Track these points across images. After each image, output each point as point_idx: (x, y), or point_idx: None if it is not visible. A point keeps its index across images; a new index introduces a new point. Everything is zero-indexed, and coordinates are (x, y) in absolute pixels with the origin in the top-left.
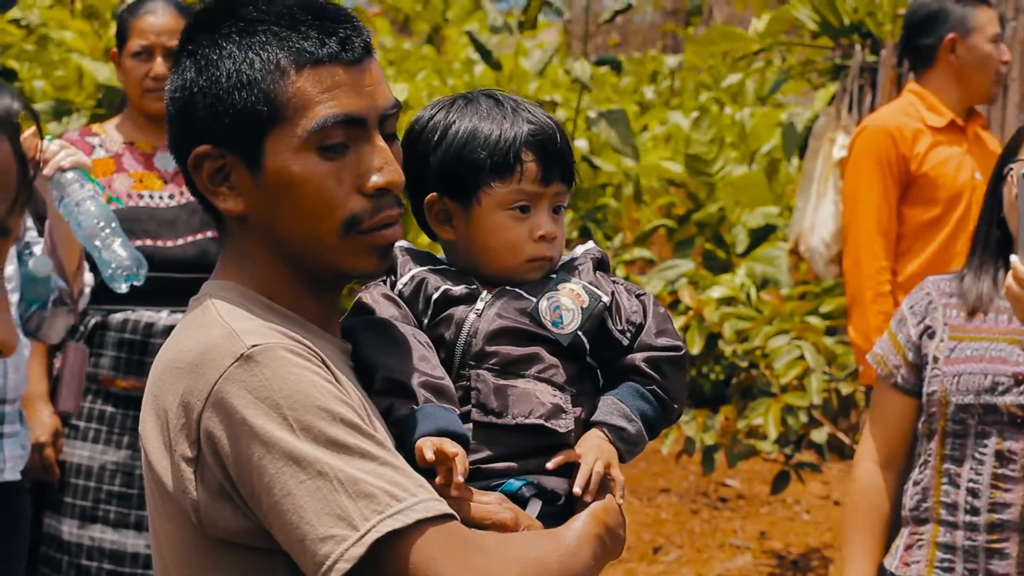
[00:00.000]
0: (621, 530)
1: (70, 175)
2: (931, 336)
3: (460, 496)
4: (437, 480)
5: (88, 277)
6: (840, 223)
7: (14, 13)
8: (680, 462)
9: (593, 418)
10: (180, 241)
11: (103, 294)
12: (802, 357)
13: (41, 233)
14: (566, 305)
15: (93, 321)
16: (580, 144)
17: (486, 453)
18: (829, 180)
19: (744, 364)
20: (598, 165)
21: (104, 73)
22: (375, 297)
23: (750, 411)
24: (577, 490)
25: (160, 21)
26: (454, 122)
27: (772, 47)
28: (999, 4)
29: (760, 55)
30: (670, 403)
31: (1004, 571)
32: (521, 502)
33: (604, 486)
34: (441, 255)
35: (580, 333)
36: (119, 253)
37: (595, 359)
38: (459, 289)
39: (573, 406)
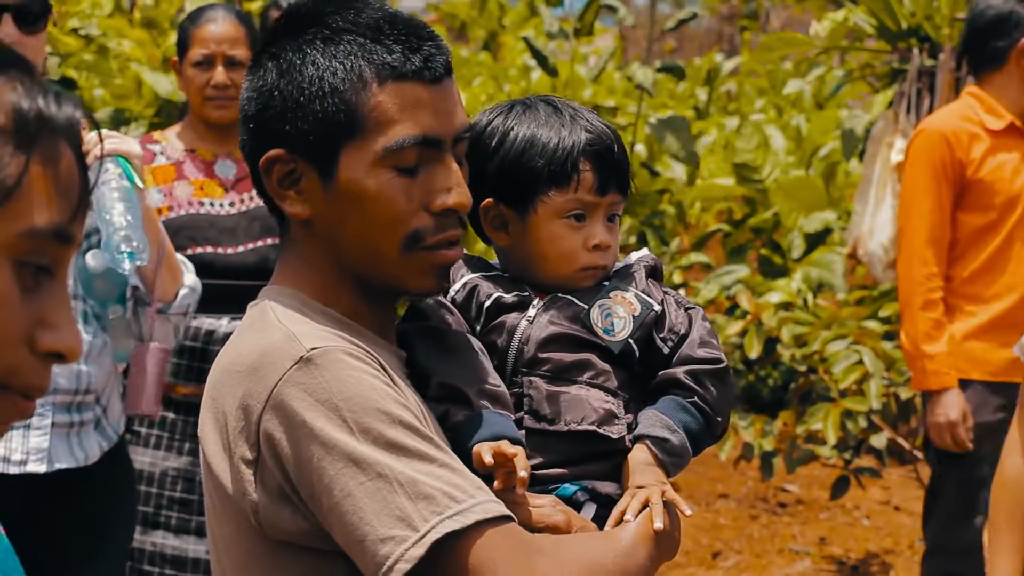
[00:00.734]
0: (675, 531)
1: (108, 163)
2: None
3: (516, 499)
4: (496, 484)
5: (189, 278)
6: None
7: (73, 23)
8: (739, 467)
9: (635, 432)
10: (241, 248)
11: None
12: (861, 362)
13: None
14: (618, 313)
15: None
16: (638, 149)
17: (539, 459)
18: (887, 184)
19: (803, 369)
20: (657, 171)
21: (162, 83)
22: (428, 303)
23: (809, 416)
24: (629, 518)
25: (220, 30)
26: (512, 128)
27: (831, 51)
28: None
29: (819, 59)
30: (713, 416)
31: None
32: (575, 506)
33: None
34: (494, 260)
35: (631, 341)
36: (117, 221)
37: (641, 367)
38: (511, 296)
39: (625, 412)
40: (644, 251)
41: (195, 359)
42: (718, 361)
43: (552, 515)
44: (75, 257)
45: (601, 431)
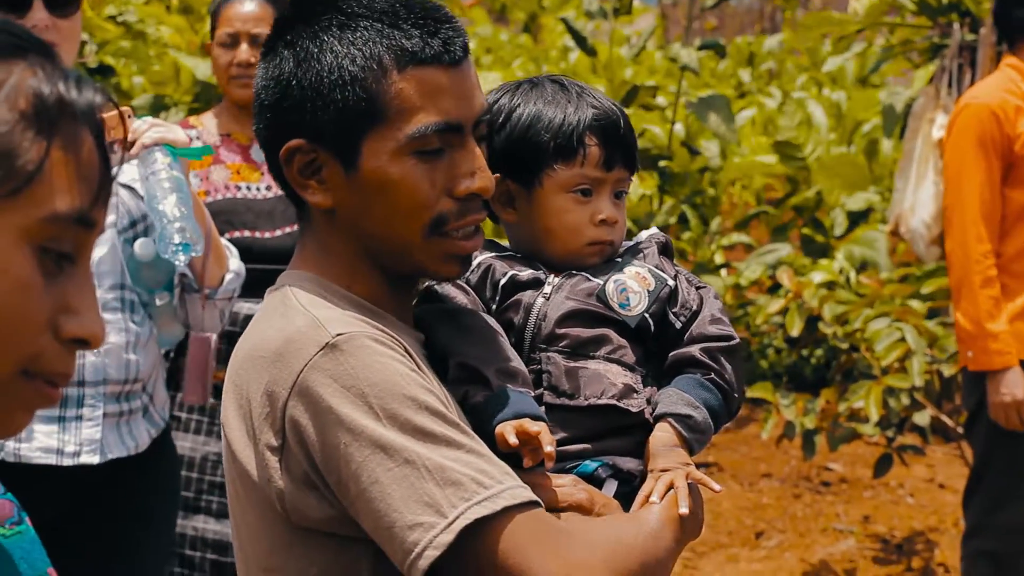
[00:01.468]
0: (699, 511)
1: (156, 152)
2: None
3: (538, 480)
4: (524, 462)
5: (234, 263)
6: (940, 204)
7: (111, 10)
8: (781, 446)
9: (656, 411)
10: (278, 232)
11: None
12: (903, 339)
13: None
14: (632, 288)
15: None
16: (677, 129)
17: (560, 435)
18: (929, 160)
19: (844, 347)
20: (697, 150)
21: (201, 68)
22: (443, 285)
23: (851, 394)
24: (655, 499)
25: (245, 9)
26: (518, 105)
27: (871, 27)
28: None
29: (860, 36)
30: (730, 392)
31: None
32: (597, 482)
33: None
34: (505, 242)
35: (647, 315)
36: (171, 213)
37: (655, 343)
38: (526, 274)
39: (644, 387)
40: (654, 229)
41: (234, 343)
42: (731, 338)
43: (575, 494)
44: (124, 246)
45: (621, 405)
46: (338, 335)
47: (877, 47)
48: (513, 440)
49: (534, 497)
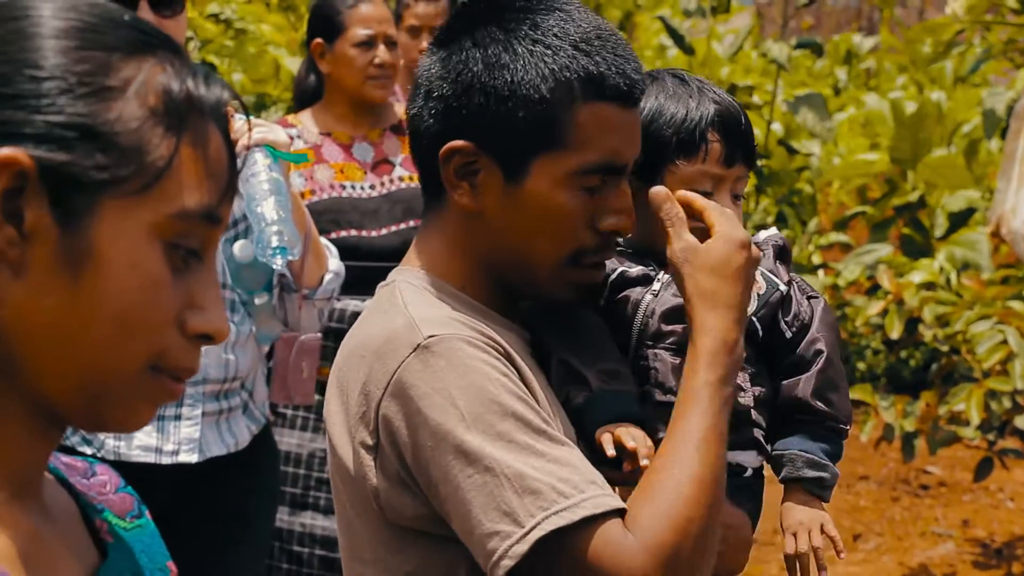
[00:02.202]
0: (741, 554)
1: (257, 153)
2: None
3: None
4: (624, 466)
5: (333, 263)
6: None
7: (212, 8)
8: (879, 449)
9: (785, 476)
10: (384, 231)
11: None
12: (1005, 341)
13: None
14: None
15: None
16: (774, 128)
17: (666, 433)
18: None
19: (945, 349)
20: (795, 149)
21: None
22: None
23: (951, 397)
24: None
25: (379, 11)
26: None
27: (972, 26)
28: None
29: (961, 35)
30: (846, 429)
31: None
32: None
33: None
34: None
35: (755, 319)
36: (269, 216)
37: (763, 346)
38: (636, 270)
39: (752, 385)
40: (773, 230)
41: (340, 341)
42: (829, 359)
43: None
44: (223, 247)
45: None
46: (430, 337)
47: (977, 47)
48: (610, 452)
49: (620, 505)
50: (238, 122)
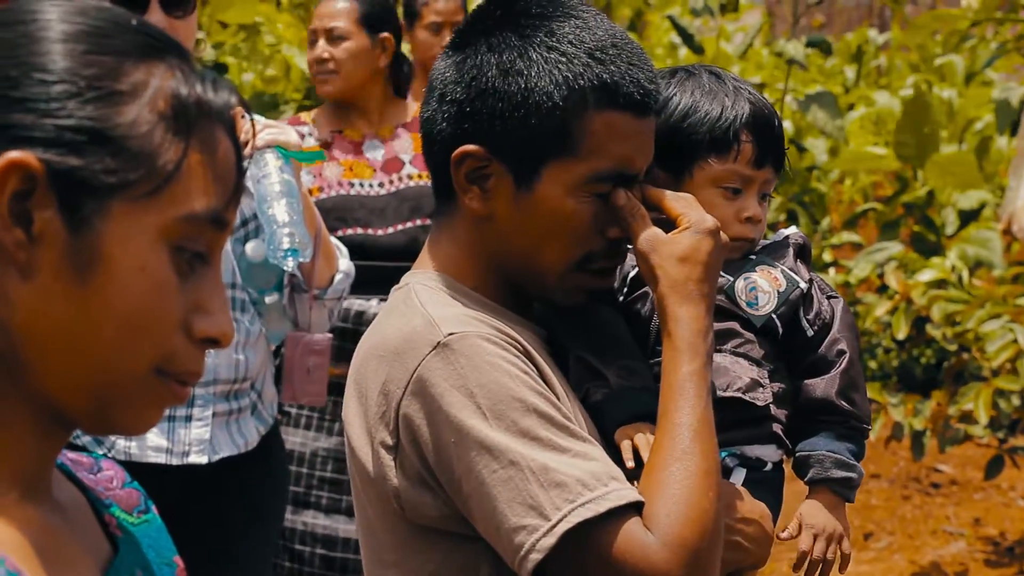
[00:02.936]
0: (763, 548)
1: (268, 155)
2: None
3: None
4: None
5: (343, 263)
6: None
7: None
8: (890, 447)
9: (813, 476)
10: (391, 229)
11: None
12: (1015, 340)
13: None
14: (762, 287)
15: None
16: (785, 126)
17: None
18: None
19: (953, 348)
20: (806, 147)
21: None
22: None
23: (961, 396)
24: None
25: (322, 7)
26: (675, 94)
27: (984, 22)
28: None
29: (972, 31)
30: (868, 428)
31: None
32: (725, 471)
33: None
34: None
35: (774, 316)
36: (281, 218)
37: (783, 344)
38: None
39: (771, 382)
40: (793, 228)
41: (346, 340)
42: (851, 360)
43: None
44: (235, 246)
45: (746, 398)
46: (450, 335)
47: (988, 43)
48: (630, 464)
49: (641, 499)
50: (247, 123)
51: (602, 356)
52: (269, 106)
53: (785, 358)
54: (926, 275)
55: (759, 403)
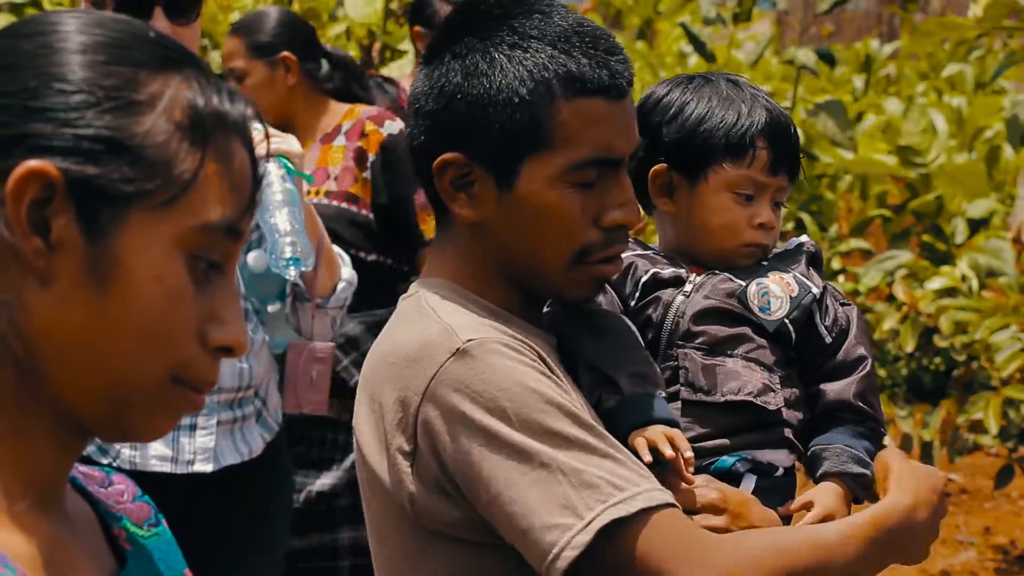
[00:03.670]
0: (917, 536)
1: (270, 164)
2: None
3: (673, 484)
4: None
5: (346, 272)
6: None
7: (235, 17)
8: None
9: (826, 469)
10: None
11: None
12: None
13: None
14: (775, 292)
15: None
16: None
17: (697, 431)
18: None
19: (962, 357)
20: (815, 155)
21: None
22: None
23: (970, 405)
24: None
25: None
26: (691, 100)
27: (993, 32)
28: None
29: (980, 41)
30: (882, 429)
31: None
32: (735, 478)
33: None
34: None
35: (787, 321)
36: (283, 227)
37: (797, 351)
38: (668, 272)
39: (782, 387)
40: (805, 237)
41: None
42: (871, 365)
43: (707, 494)
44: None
45: (758, 402)
46: (469, 341)
47: (997, 52)
48: (648, 458)
49: (671, 499)
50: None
51: (613, 363)
52: None
53: (796, 365)
54: (936, 283)
55: (770, 407)
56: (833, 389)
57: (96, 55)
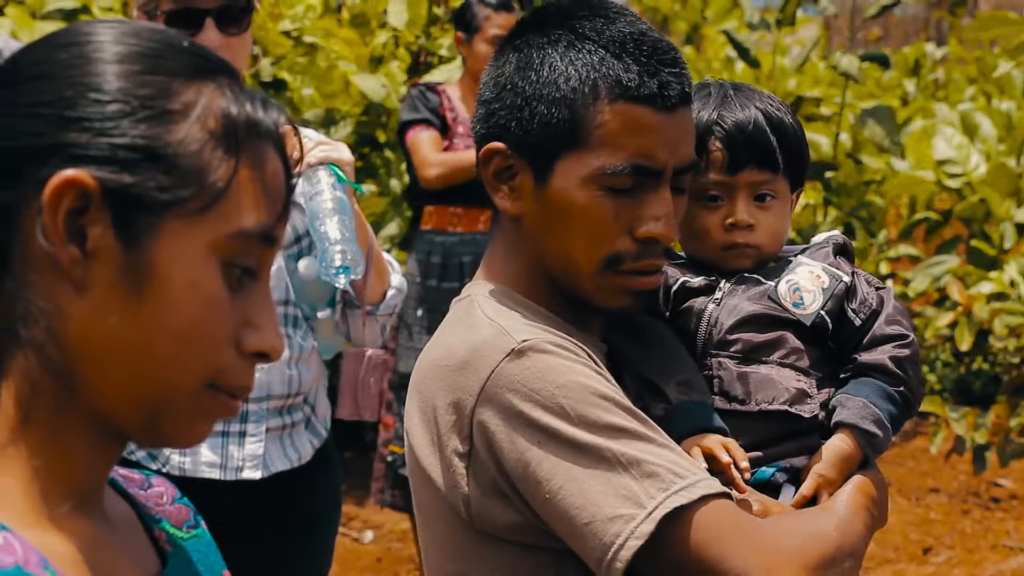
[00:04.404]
0: (884, 500)
1: (321, 172)
2: None
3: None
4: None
5: (396, 279)
6: None
7: (284, 25)
8: (950, 461)
9: (842, 418)
10: None
11: None
12: None
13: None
14: (805, 287)
15: None
16: (843, 139)
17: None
18: None
19: (1016, 361)
20: (862, 161)
21: (370, 84)
22: None
23: (1022, 409)
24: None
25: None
26: None
27: None
28: None
29: None
30: (915, 404)
31: None
32: (774, 488)
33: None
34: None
35: (823, 313)
36: (333, 235)
37: (834, 341)
38: (698, 280)
39: (819, 390)
40: (833, 232)
41: None
42: (911, 340)
43: (750, 504)
44: (288, 263)
45: (792, 410)
46: (523, 341)
47: None
48: (703, 466)
49: (726, 489)
50: (297, 140)
51: (660, 371)
52: (329, 122)
53: (832, 364)
54: (985, 288)
55: (805, 415)
56: (868, 354)
57: (131, 65)
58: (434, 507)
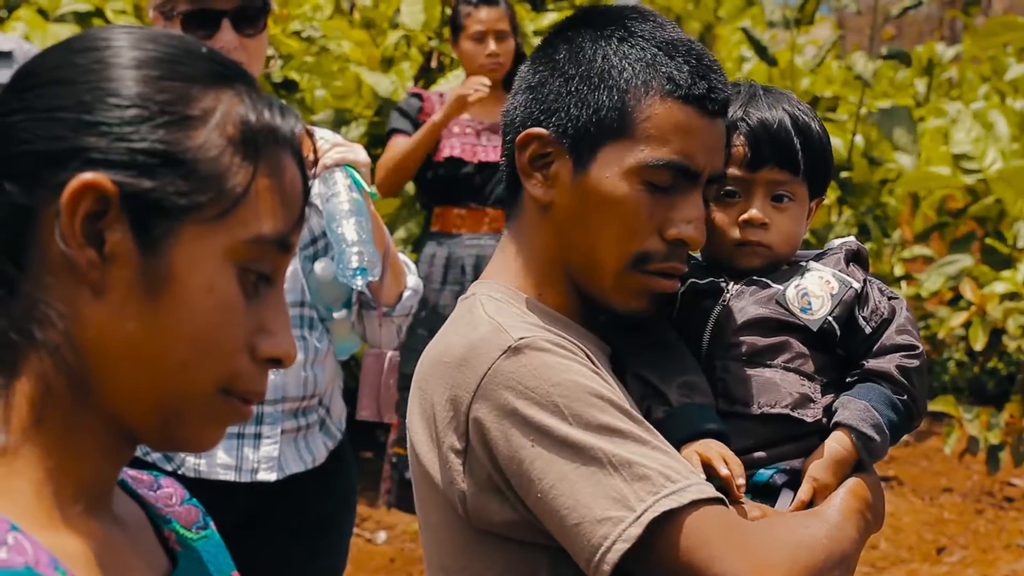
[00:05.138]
0: (880, 504)
1: (337, 173)
2: None
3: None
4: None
5: (412, 280)
6: None
7: (295, 25)
8: (963, 461)
9: (841, 419)
10: None
11: None
12: None
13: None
14: (814, 292)
15: None
16: (857, 140)
17: (735, 444)
18: None
19: None
20: (878, 161)
21: (382, 83)
22: None
23: None
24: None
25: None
26: None
27: None
28: None
29: None
30: (917, 415)
31: None
32: (773, 490)
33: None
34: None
35: (831, 319)
36: (349, 237)
37: (842, 348)
38: (705, 282)
39: (823, 395)
40: (848, 238)
41: None
42: (920, 352)
43: (750, 511)
44: (304, 264)
45: (795, 415)
46: (520, 339)
47: None
48: (699, 468)
49: (719, 494)
50: (318, 142)
51: (663, 373)
52: (341, 123)
53: (839, 370)
54: (998, 287)
55: (808, 419)
56: (875, 361)
57: (149, 70)
58: (432, 503)
